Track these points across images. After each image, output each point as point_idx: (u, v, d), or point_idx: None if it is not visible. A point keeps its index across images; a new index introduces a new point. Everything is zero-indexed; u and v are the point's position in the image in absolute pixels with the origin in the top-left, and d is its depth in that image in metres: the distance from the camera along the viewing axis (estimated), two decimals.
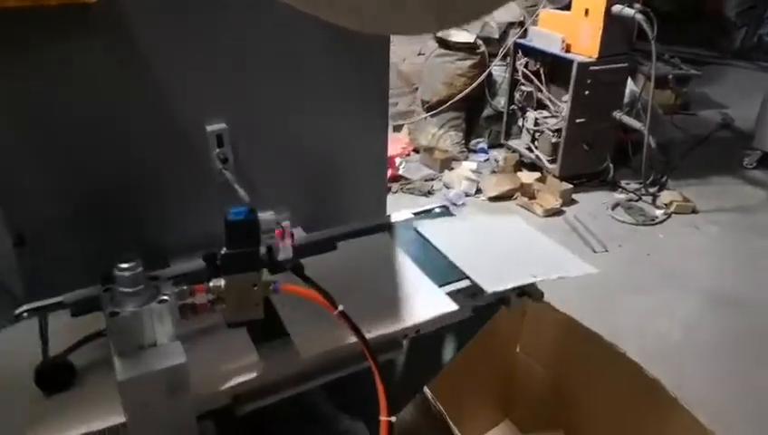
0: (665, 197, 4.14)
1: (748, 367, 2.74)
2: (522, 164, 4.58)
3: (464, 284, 1.08)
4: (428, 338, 1.09)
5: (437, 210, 1.35)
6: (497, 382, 2.27)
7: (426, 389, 1.65)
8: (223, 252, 0.76)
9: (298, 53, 1.20)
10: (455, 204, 4.09)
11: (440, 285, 1.07)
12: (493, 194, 4.16)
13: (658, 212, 4.03)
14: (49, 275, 0.98)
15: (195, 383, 0.83)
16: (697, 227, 3.93)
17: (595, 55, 3.88)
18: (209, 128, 1.16)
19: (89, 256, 1.00)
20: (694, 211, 4.07)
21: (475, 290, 1.07)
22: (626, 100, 4.45)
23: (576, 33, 3.97)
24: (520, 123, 4.59)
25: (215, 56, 1.13)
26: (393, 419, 0.82)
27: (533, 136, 4.44)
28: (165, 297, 0.72)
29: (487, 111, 4.84)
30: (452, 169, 4.50)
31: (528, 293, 1.10)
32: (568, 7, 4.05)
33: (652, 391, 1.77)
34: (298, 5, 0.63)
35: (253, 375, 0.86)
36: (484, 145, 4.85)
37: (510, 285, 1.05)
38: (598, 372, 1.96)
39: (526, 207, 4.06)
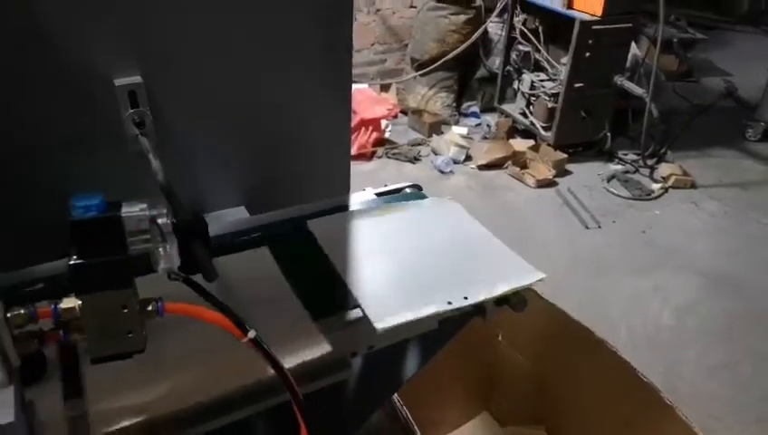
0: (663, 169, 3.93)
1: (742, 354, 2.59)
2: (515, 130, 4.33)
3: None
4: (388, 351, 0.88)
5: (408, 190, 1.12)
6: (476, 372, 2.09)
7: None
8: (72, 261, 0.53)
9: None
10: (442, 171, 3.86)
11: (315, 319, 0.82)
12: (482, 162, 3.93)
13: (656, 186, 3.82)
14: None
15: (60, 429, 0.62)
16: (696, 203, 3.73)
17: (599, 13, 3.59)
18: (118, 82, 0.92)
19: None
20: (693, 186, 3.87)
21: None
22: (627, 64, 4.19)
23: None
24: (515, 86, 4.32)
25: None
26: None
27: (529, 100, 4.18)
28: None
29: (481, 72, 4.55)
30: (441, 133, 4.25)
31: (509, 303, 0.89)
32: None
33: (640, 390, 1.59)
34: None
35: (144, 415, 0.65)
36: (476, 109, 4.58)
37: (406, 319, 0.79)
38: (583, 367, 1.79)
39: (517, 178, 3.84)
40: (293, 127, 1.12)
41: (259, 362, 0.66)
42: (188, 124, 1.03)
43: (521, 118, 4.25)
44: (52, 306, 0.56)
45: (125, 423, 0.64)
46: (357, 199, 1.07)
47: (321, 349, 0.76)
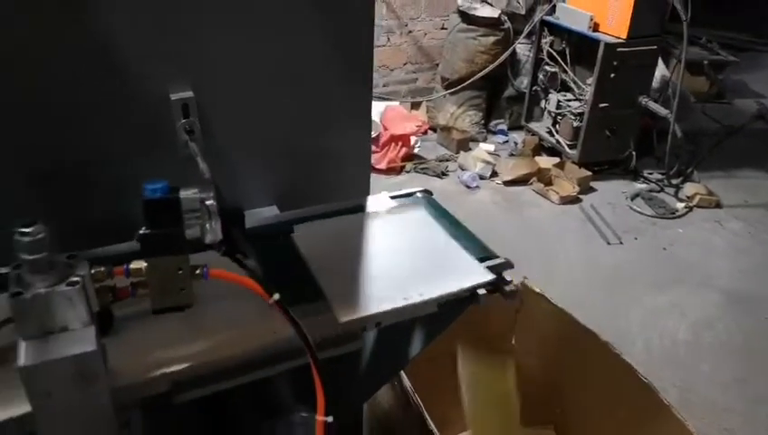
0: (688, 189, 3.98)
1: (757, 370, 2.63)
2: (541, 148, 4.43)
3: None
4: (394, 331, 1.03)
5: (419, 195, 1.27)
6: None
7: (406, 380, 1.60)
8: (141, 232, 0.70)
9: (277, 13, 1.12)
10: (468, 186, 3.99)
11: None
12: (508, 178, 4.04)
13: (680, 205, 3.87)
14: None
15: (124, 371, 0.78)
16: (720, 222, 3.77)
17: (624, 36, 3.69)
18: (173, 96, 1.09)
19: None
20: (718, 205, 3.90)
21: None
22: (656, 85, 4.26)
23: (605, 11, 3.78)
24: (542, 105, 4.43)
25: (185, 15, 1.06)
26: (330, 419, 0.76)
27: (555, 119, 4.29)
28: (76, 279, 0.66)
29: (509, 92, 4.68)
30: (469, 150, 4.38)
31: (500, 290, 1.03)
32: None
33: (643, 393, 1.69)
34: None
35: (189, 363, 0.80)
36: (503, 126, 4.71)
37: (366, 314, 0.92)
38: (591, 370, 1.88)
39: (542, 194, 3.94)
40: (320, 138, 1.27)
41: (283, 326, 0.81)
42: (230, 134, 1.20)
43: (547, 136, 4.36)
44: (125, 266, 0.73)
45: (174, 368, 0.79)
46: (373, 201, 1.22)
47: (335, 319, 0.90)
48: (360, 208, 1.19)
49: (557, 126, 4.27)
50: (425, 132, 4.61)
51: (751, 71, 6.42)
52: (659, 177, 4.09)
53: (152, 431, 0.88)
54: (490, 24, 4.35)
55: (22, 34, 0.95)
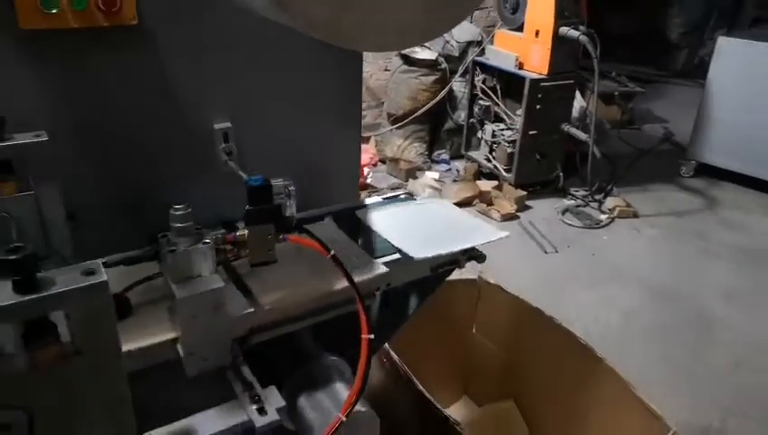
0: (609, 202, 4.54)
1: (681, 350, 3.10)
2: (481, 173, 4.93)
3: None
4: (397, 291, 1.38)
5: (402, 196, 1.64)
6: (456, 362, 2.55)
7: (393, 354, 1.93)
8: (246, 208, 1.03)
9: (291, 63, 1.48)
10: None
11: (375, 257, 1.30)
12: (454, 201, 4.47)
13: (603, 216, 4.42)
14: (92, 245, 1.22)
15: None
16: (638, 229, 4.33)
17: (545, 72, 4.27)
18: (217, 126, 1.42)
19: (122, 232, 1.26)
20: (635, 216, 4.48)
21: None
22: (576, 114, 4.86)
23: (528, 53, 4.36)
24: (479, 135, 4.95)
25: (225, 68, 1.40)
26: (372, 336, 1.09)
27: (491, 147, 4.80)
28: (207, 240, 0.98)
29: (449, 124, 5.19)
30: (416, 178, 4.81)
31: (474, 257, 1.40)
32: (521, 29, 4.44)
33: (586, 355, 2.09)
34: (316, 34, 0.91)
35: (260, 313, 1.12)
36: (446, 156, 5.19)
37: (433, 253, 1.28)
38: (540, 343, 2.27)
39: (485, 213, 4.40)
40: (323, 155, 1.63)
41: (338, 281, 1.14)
42: (256, 154, 1.53)
43: (485, 162, 4.86)
44: (233, 234, 1.05)
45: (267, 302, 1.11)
46: (370, 201, 1.58)
47: (377, 270, 1.25)
48: (363, 207, 1.54)
49: (493, 153, 4.78)
50: (375, 164, 5.03)
51: (656, 100, 7.27)
52: (584, 193, 4.65)
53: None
54: (429, 65, 4.86)
55: (111, 86, 1.27)
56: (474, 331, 2.53)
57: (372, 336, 1.09)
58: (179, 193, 1.26)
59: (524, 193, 4.51)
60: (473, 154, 5.01)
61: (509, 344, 2.41)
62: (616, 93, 6.09)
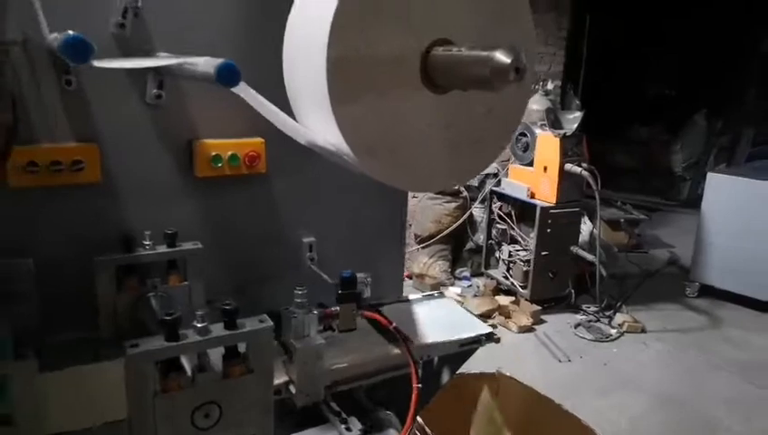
0: (618, 318, 4.95)
1: None
2: (499, 289, 5.41)
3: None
4: (433, 362, 1.86)
5: (436, 295, 2.17)
6: None
7: (427, 428, 2.34)
8: (338, 292, 1.54)
9: (359, 199, 2.07)
10: None
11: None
12: (475, 314, 4.93)
13: (613, 331, 4.82)
14: (218, 319, 1.74)
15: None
16: (645, 343, 4.70)
17: (554, 201, 4.89)
18: (305, 240, 1.99)
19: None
20: (643, 331, 4.86)
21: None
22: (586, 238, 5.41)
23: (538, 184, 5.01)
24: (497, 255, 5.50)
25: (314, 200, 1.99)
26: (420, 385, 1.56)
27: (508, 266, 5.33)
28: (315, 312, 1.49)
29: (469, 245, 5.78)
30: (440, 292, 5.30)
31: (491, 338, 1.89)
32: (531, 164, 5.13)
33: None
34: (382, 179, 1.48)
35: (341, 367, 1.60)
36: (467, 273, 5.71)
37: (432, 341, 1.77)
38: (553, 431, 2.64)
39: (503, 325, 4.83)
40: (378, 263, 2.17)
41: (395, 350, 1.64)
42: (332, 260, 2.08)
43: (503, 279, 5.36)
44: (330, 309, 1.57)
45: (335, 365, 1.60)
46: (413, 296, 2.11)
47: (423, 341, 1.74)
48: (407, 300, 2.06)
49: (510, 271, 5.30)
50: (403, 279, 5.56)
51: (663, 226, 7.84)
52: (595, 309, 5.07)
53: None
54: (451, 194, 5.54)
55: (240, 210, 1.86)
56: (493, 417, 2.90)
57: (420, 386, 1.57)
58: (278, 289, 1.80)
59: (539, 308, 4.95)
60: (492, 272, 5.53)
61: (526, 431, 2.78)
62: (622, 220, 6.67)
